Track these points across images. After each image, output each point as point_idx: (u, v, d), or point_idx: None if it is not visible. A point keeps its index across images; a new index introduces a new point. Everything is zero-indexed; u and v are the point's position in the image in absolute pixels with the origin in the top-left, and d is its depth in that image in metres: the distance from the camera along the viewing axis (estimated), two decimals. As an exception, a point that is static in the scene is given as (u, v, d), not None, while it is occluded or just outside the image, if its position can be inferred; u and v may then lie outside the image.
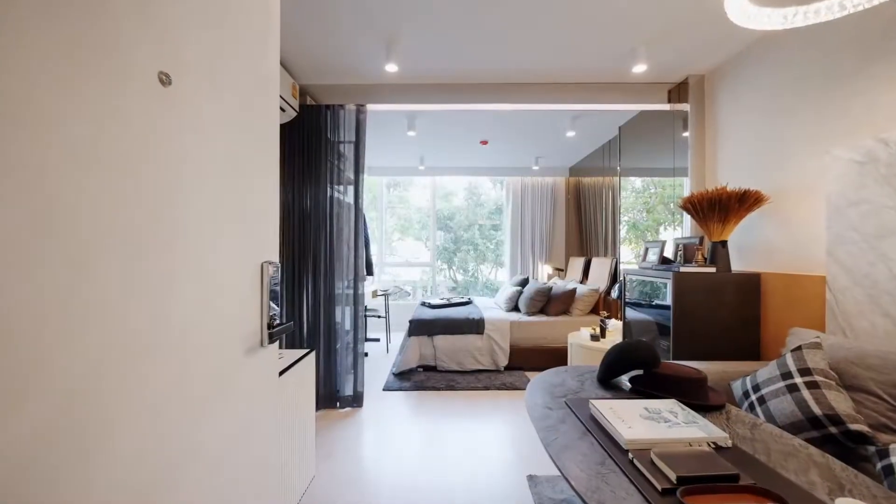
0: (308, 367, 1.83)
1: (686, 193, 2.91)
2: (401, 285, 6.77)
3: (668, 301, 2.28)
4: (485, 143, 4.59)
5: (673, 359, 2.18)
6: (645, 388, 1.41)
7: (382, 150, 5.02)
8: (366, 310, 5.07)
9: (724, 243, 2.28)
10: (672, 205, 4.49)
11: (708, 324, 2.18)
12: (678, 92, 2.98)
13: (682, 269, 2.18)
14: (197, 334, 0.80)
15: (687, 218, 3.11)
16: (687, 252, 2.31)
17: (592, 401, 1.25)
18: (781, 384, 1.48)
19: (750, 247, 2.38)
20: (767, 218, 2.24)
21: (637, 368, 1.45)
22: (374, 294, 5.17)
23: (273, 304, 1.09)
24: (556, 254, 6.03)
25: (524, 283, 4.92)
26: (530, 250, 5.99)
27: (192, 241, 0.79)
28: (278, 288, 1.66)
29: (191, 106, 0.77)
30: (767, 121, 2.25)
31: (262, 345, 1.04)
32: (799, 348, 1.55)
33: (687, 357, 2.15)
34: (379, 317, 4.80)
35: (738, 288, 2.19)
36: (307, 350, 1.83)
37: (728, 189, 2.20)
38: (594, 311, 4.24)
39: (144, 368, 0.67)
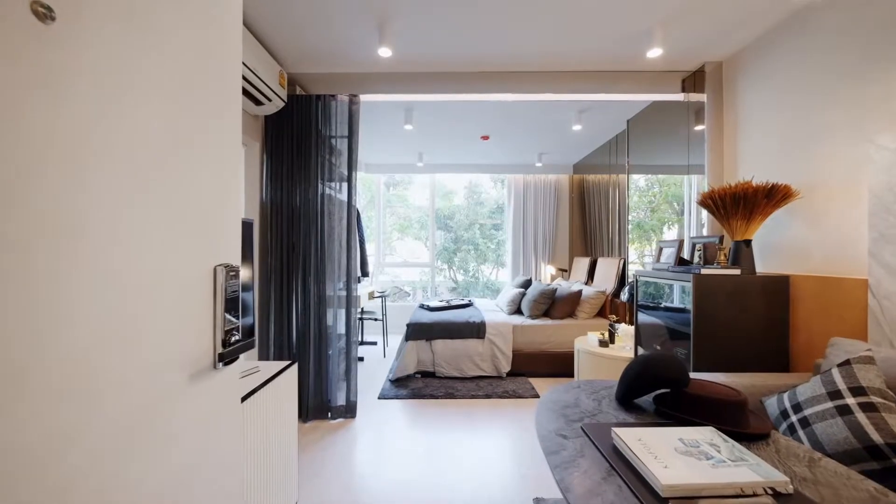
0: (289, 381, 1.63)
1: (696, 190, 2.71)
2: (400, 286, 6.58)
3: (685, 305, 2.09)
4: (486, 138, 4.39)
5: (693, 369, 1.98)
6: (673, 411, 1.21)
7: (379, 145, 4.82)
8: (362, 312, 4.89)
9: (748, 242, 2.09)
10: (676, 203, 4.30)
11: (731, 331, 1.98)
12: (693, 81, 2.78)
13: (704, 271, 1.98)
14: (106, 364, 0.60)
15: (695, 216, 2.92)
16: (707, 252, 2.11)
17: (616, 429, 1.05)
18: (829, 405, 1.29)
19: (775, 246, 2.18)
20: (796, 215, 2.04)
21: (663, 387, 1.25)
22: (371, 296, 4.98)
23: (231, 317, 0.90)
24: (560, 254, 5.83)
25: (527, 284, 4.72)
26: (533, 250, 5.79)
27: (102, 240, 0.59)
28: (251, 296, 1.47)
29: (93, 53, 0.58)
30: (796, 109, 2.05)
31: (214, 367, 0.84)
32: (847, 363, 1.35)
33: (709, 368, 1.95)
34: (376, 319, 4.61)
35: (764, 291, 2.00)
36: (287, 363, 1.64)
37: (753, 183, 2.01)
38: (601, 313, 4.04)
39: (25, 411, 0.48)
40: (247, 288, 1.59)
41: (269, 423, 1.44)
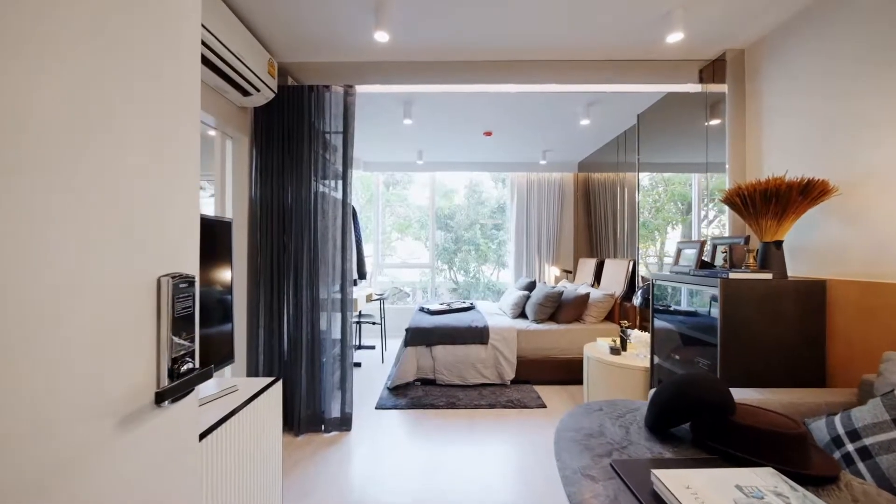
0: (272, 400, 1.45)
1: (699, 189, 2.53)
2: (400, 286, 6.41)
3: (708, 311, 1.91)
4: (488, 134, 4.21)
5: (720, 384, 1.80)
6: (717, 444, 1.03)
7: (378, 142, 4.64)
8: (359, 315, 4.71)
9: (778, 244, 1.91)
10: (681, 203, 4.13)
11: (762, 340, 1.80)
12: (712, 70, 2.60)
13: (733, 275, 1.80)
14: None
15: (699, 216, 2.74)
16: (734, 254, 1.93)
17: (656, 472, 0.87)
18: (897, 434, 1.10)
19: (807, 248, 2.00)
20: (831, 213, 1.86)
21: (703, 414, 1.07)
22: (369, 298, 4.79)
23: (182, 340, 0.71)
24: (564, 255, 5.65)
25: (531, 286, 4.54)
26: (536, 251, 5.61)
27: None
28: (230, 302, 1.30)
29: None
30: (830, 99, 1.87)
31: (156, 405, 0.66)
32: (914, 384, 1.17)
33: (739, 382, 1.77)
34: (374, 323, 4.42)
35: (798, 297, 1.81)
36: (270, 380, 1.45)
37: (787, 179, 1.82)
38: (609, 317, 3.86)
39: None
40: (225, 294, 1.41)
41: (245, 452, 1.26)
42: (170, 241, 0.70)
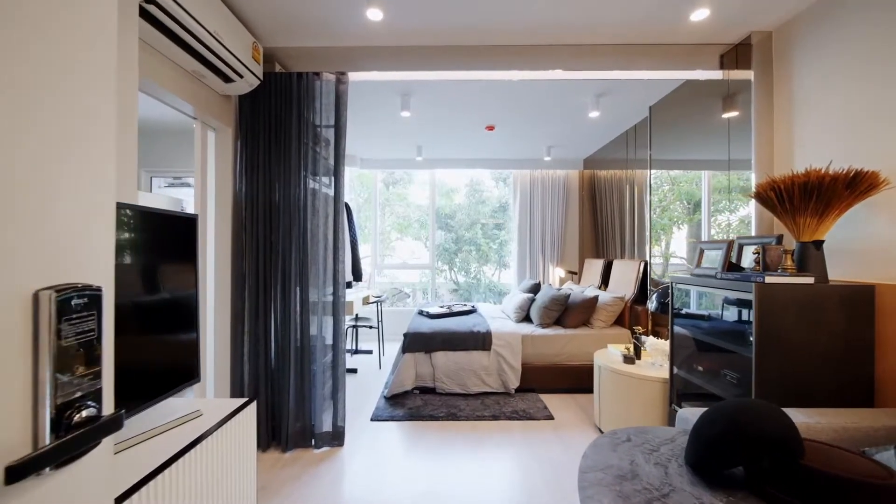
0: (242, 430, 1.25)
1: (712, 186, 2.33)
2: (400, 287, 6.22)
3: (737, 317, 1.72)
4: (491, 128, 4.01)
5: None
6: (783, 494, 0.82)
7: (375, 138, 4.44)
8: (356, 318, 4.50)
9: (818, 244, 1.70)
10: (687, 202, 3.93)
11: (802, 352, 1.59)
12: (735, 55, 2.39)
13: (769, 279, 1.59)
14: None
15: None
16: (769, 256, 1.72)
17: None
18: None
19: (849, 249, 1.79)
20: (879, 209, 1.66)
21: (762, 454, 0.87)
22: (366, 301, 4.59)
23: (78, 378, 0.51)
24: (569, 255, 5.45)
25: (535, 288, 4.33)
26: (540, 251, 5.40)
27: None
28: (194, 305, 1.10)
29: None
30: (880, 82, 1.67)
31: (13, 481, 0.45)
32: None
33: (776, 398, 1.56)
34: (371, 327, 4.22)
35: (843, 304, 1.61)
36: (242, 401, 1.25)
37: (830, 171, 1.62)
38: (619, 322, 3.66)
39: None
40: (185, 300, 1.20)
41: (209, 493, 1.05)
42: (55, 240, 0.50)
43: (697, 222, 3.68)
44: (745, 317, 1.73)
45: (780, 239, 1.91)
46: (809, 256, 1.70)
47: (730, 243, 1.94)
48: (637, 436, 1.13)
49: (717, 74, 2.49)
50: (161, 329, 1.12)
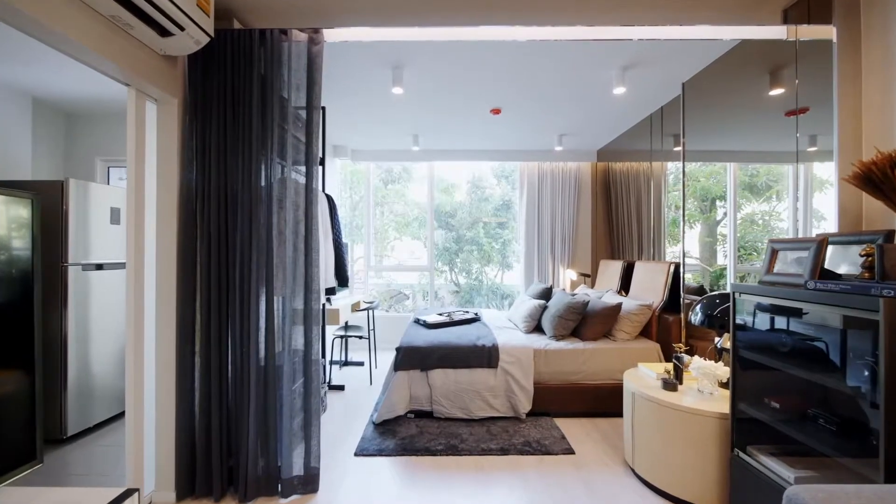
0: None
1: (730, 181, 1.86)
2: (399, 288, 5.75)
3: (838, 340, 1.24)
4: (497, 111, 3.53)
5: (886, 470, 1.11)
6: None
7: (366, 125, 3.96)
8: (345, 327, 4.01)
9: (959, 243, 1.22)
10: (703, 200, 3.48)
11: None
12: (806, 7, 1.91)
13: (905, 294, 1.11)
14: None
15: (725, 213, 2.08)
16: (890, 259, 1.24)
17: None
18: None
19: None
20: None
21: None
22: (356, 307, 4.11)
23: None
24: (581, 256, 4.96)
25: (547, 294, 3.85)
26: (549, 251, 4.92)
27: None
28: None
29: None
30: None
31: None
32: None
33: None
34: (360, 337, 3.74)
35: None
36: (119, 492, 0.77)
37: None
38: (644, 332, 3.17)
39: None
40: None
41: None
42: None
43: (714, 220, 3.29)
44: (853, 341, 1.26)
45: (890, 236, 1.43)
46: (948, 260, 1.22)
47: (821, 241, 1.46)
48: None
49: (779, 32, 2.00)
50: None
